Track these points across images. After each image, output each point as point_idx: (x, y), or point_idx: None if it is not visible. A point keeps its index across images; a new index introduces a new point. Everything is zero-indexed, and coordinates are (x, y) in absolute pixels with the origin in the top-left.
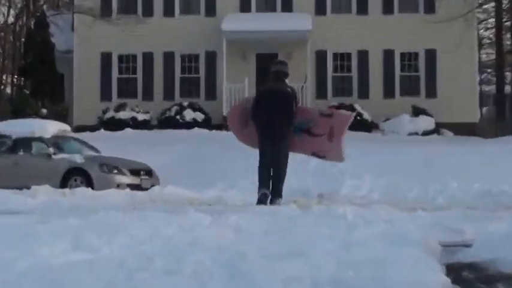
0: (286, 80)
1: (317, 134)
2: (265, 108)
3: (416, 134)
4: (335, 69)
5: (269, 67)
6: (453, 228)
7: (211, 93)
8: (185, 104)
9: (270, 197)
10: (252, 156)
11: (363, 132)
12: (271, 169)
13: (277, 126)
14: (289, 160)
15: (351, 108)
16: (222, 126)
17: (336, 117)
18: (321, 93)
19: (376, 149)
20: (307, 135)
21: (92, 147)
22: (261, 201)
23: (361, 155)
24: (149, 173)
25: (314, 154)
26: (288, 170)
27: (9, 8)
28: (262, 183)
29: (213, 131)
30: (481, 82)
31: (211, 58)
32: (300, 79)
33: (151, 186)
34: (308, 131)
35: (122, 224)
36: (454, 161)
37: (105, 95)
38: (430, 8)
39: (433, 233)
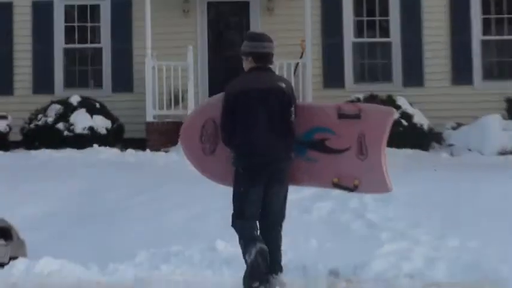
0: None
1: (337, 148)
2: (249, 123)
3: None
4: (359, 30)
5: (240, 45)
6: None
7: (124, 79)
8: (74, 100)
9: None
10: (205, 197)
11: (413, 149)
12: (265, 224)
13: (275, 154)
14: None
15: (390, 102)
16: (145, 142)
17: (368, 117)
18: (332, 77)
19: (439, 181)
20: (318, 153)
21: None
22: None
23: (411, 195)
24: (6, 233)
25: (337, 185)
26: None
27: None
28: (254, 252)
29: (129, 151)
30: None
31: (123, 11)
32: (291, 52)
33: (11, 259)
34: (321, 145)
35: None
36: None
37: None
38: None
39: None
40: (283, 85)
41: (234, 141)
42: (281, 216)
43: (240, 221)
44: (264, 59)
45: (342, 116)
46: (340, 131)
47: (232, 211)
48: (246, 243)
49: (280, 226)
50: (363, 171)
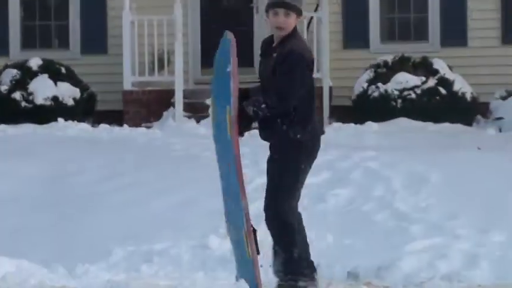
0: None
1: None
2: (313, 95)
3: None
4: None
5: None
6: None
7: (97, 37)
8: (34, 64)
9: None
10: (195, 181)
11: (453, 123)
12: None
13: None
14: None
15: (425, 66)
16: (122, 115)
17: None
18: (354, 35)
19: (483, 163)
20: None
21: None
22: None
23: (448, 179)
24: None
25: None
26: None
27: None
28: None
29: (102, 126)
30: None
31: None
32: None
33: None
34: None
35: None
36: None
37: None
38: None
39: None
40: None
41: (303, 113)
42: None
43: (292, 204)
44: None
45: None
46: None
47: (279, 191)
48: (293, 231)
49: None
50: None
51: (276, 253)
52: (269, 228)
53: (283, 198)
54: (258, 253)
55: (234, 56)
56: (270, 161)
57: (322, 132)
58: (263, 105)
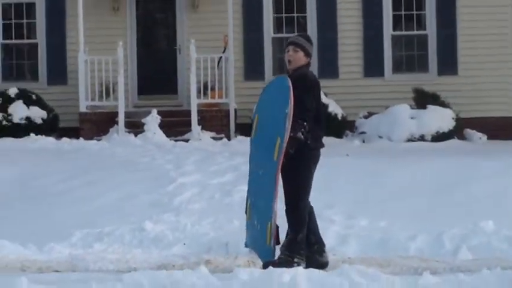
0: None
1: None
2: (319, 111)
3: (422, 138)
4: (278, 26)
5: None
6: None
7: (59, 72)
8: (11, 92)
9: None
10: (133, 181)
11: (328, 137)
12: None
13: None
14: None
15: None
16: (79, 131)
17: None
18: (252, 70)
19: (351, 166)
20: None
21: None
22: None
23: (324, 180)
24: None
25: None
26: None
27: None
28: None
29: (64, 139)
30: None
31: (58, 9)
32: (214, 47)
33: None
34: None
35: None
36: (489, 187)
37: None
38: None
39: None
40: None
41: (313, 128)
42: None
43: (306, 201)
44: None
45: None
46: None
47: (295, 194)
48: (304, 221)
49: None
50: None
51: (286, 235)
52: (288, 217)
53: (302, 197)
54: (278, 243)
55: (291, 101)
56: (290, 167)
57: (323, 145)
58: (304, 123)
